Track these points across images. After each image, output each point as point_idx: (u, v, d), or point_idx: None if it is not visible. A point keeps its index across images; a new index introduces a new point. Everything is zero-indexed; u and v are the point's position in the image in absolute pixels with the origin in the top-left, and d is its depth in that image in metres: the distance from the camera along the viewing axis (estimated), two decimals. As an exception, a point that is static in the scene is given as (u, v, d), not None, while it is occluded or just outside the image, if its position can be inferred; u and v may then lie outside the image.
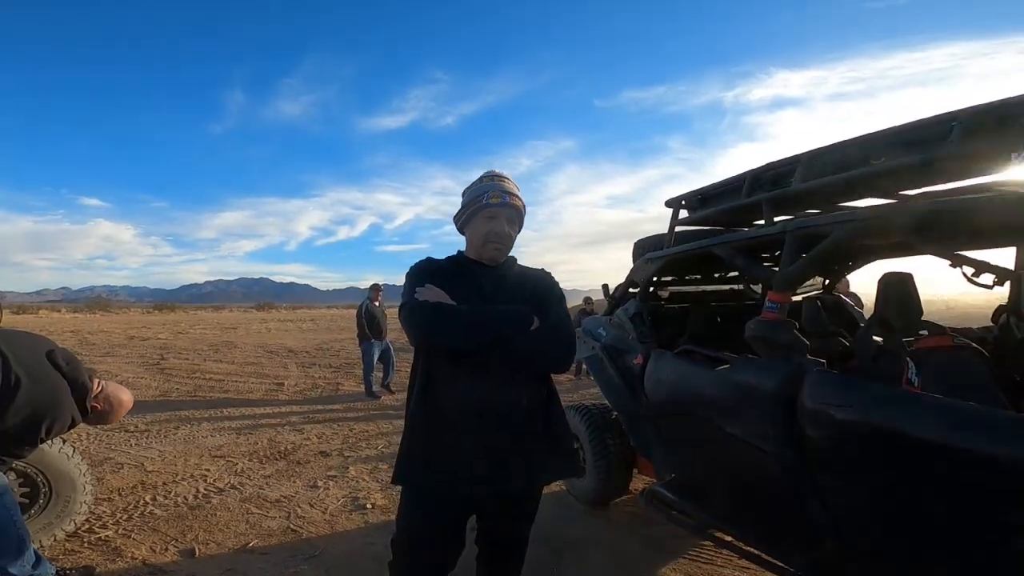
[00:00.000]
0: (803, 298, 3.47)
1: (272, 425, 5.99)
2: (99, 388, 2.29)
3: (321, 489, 3.85)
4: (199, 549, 2.87)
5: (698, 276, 3.80)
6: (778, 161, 2.30)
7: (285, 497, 3.68)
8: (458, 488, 1.55)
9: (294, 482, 4.02)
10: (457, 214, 1.75)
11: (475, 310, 1.52)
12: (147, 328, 22.82)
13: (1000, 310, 2.73)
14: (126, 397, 2.42)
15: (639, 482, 3.56)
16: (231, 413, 6.67)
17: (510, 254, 1.75)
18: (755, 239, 2.28)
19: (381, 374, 8.20)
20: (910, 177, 1.92)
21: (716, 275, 3.79)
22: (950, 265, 2.79)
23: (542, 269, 1.81)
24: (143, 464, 4.41)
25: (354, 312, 9.91)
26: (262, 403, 7.36)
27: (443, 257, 1.76)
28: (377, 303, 8.12)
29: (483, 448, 1.53)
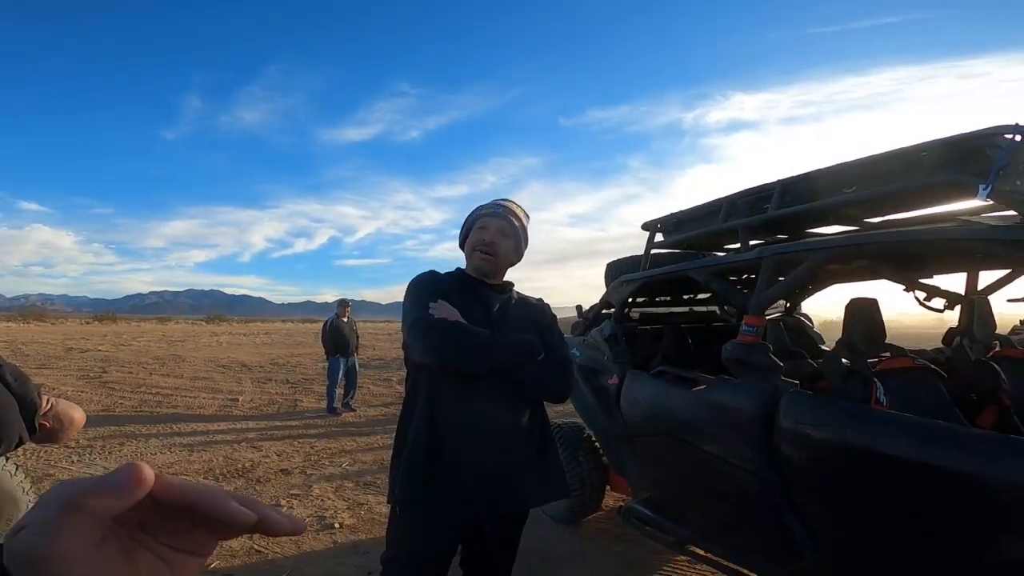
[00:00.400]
0: (766, 320, 3.63)
1: (227, 442, 5.75)
2: (48, 406, 2.17)
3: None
4: (157, 572, 2.71)
5: (668, 299, 3.92)
6: (753, 188, 2.42)
7: (246, 517, 3.53)
8: (458, 508, 1.54)
9: (255, 501, 3.86)
10: (460, 232, 1.78)
11: (493, 335, 1.53)
12: (86, 339, 21.57)
13: (952, 332, 2.93)
14: (78, 415, 2.28)
15: (610, 499, 3.60)
16: (181, 429, 6.37)
17: (509, 279, 1.77)
18: (732, 264, 2.38)
19: (342, 391, 8.00)
20: (881, 206, 2.06)
21: (686, 297, 3.92)
22: (904, 289, 2.98)
23: (540, 299, 1.83)
24: (88, 482, 4.15)
25: (312, 327, 9.66)
26: (215, 419, 7.06)
27: (444, 273, 1.76)
28: (345, 319, 7.92)
29: (485, 469, 1.53)
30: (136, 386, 9.53)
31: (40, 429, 2.17)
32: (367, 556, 2.98)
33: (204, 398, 8.69)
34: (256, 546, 3.07)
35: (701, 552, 2.32)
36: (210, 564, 2.82)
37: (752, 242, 2.47)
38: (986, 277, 2.87)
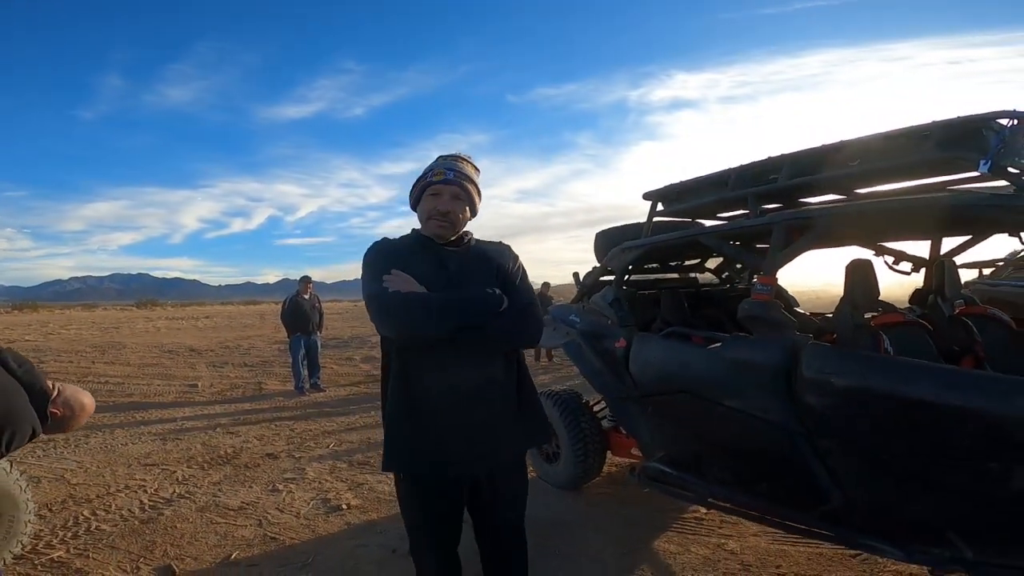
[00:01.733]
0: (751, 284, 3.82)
1: (200, 428, 5.55)
2: (56, 391, 2.04)
3: (284, 493, 3.65)
4: (176, 565, 2.63)
5: (656, 266, 4.04)
6: (759, 161, 2.53)
7: (247, 503, 3.46)
8: (447, 471, 1.57)
9: (250, 487, 3.77)
10: (410, 192, 1.74)
11: (448, 298, 1.52)
12: (9, 329, 19.94)
13: (921, 292, 3.19)
14: (88, 400, 2.15)
15: (611, 465, 3.74)
16: (145, 417, 6.09)
17: (466, 229, 1.74)
18: (744, 229, 2.49)
19: (307, 372, 7.83)
20: (882, 178, 2.21)
21: (673, 264, 4.06)
22: (874, 254, 3.22)
23: (500, 242, 1.80)
24: (64, 476, 3.94)
25: (256, 308, 9.39)
26: (177, 406, 6.78)
27: (397, 237, 1.73)
28: (307, 296, 7.74)
29: (467, 428, 1.56)
30: (82, 376, 8.97)
31: (51, 418, 2.04)
32: (385, 534, 2.98)
33: (159, 385, 8.30)
34: (269, 533, 3.01)
35: (724, 504, 2.48)
36: (230, 555, 2.76)
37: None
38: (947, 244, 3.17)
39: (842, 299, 2.33)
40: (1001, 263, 5.97)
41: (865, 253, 3.21)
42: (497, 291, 1.58)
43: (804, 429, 2.07)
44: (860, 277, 2.33)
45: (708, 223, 3.43)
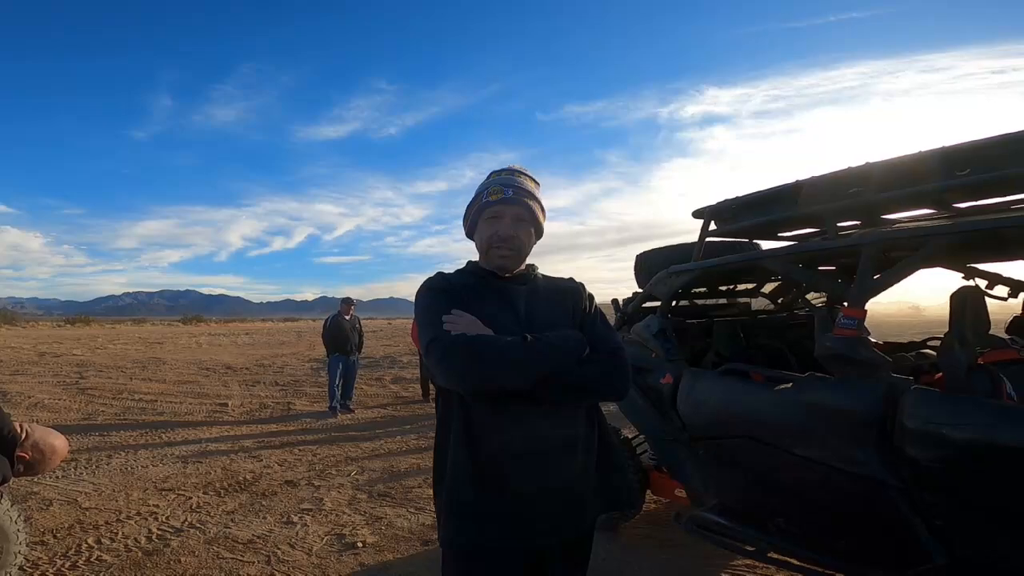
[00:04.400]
0: (814, 310, 3.44)
1: (223, 451, 5.39)
2: (25, 435, 1.84)
3: (298, 526, 3.41)
4: (169, 609, 2.40)
5: (705, 291, 3.70)
6: (836, 172, 2.20)
7: (258, 537, 3.22)
8: (515, 543, 1.30)
9: (264, 518, 3.54)
10: (464, 218, 1.49)
11: (526, 342, 1.26)
12: (60, 343, 20.74)
13: (1020, 321, 2.77)
14: (59, 443, 1.94)
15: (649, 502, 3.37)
16: (171, 438, 5.99)
17: (530, 261, 1.49)
18: (821, 251, 2.16)
19: (340, 391, 7.72)
20: (995, 189, 1.86)
21: (723, 289, 3.70)
22: (963, 277, 2.82)
23: (571, 279, 1.55)
24: (76, 500, 3.79)
25: (293, 326, 9.47)
26: (205, 425, 6.69)
27: (453, 271, 1.49)
28: (348, 316, 7.79)
29: (544, 494, 1.29)
30: (117, 392, 9.05)
31: (19, 462, 1.83)
32: (399, 579, 2.70)
33: (191, 403, 8.27)
34: (277, 572, 2.76)
35: (788, 560, 2.12)
36: (230, 595, 2.52)
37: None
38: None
39: (947, 334, 1.97)
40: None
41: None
42: (580, 334, 1.33)
43: (902, 483, 1.72)
44: (970, 307, 1.96)
45: (765, 244, 3.09)
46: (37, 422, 1.89)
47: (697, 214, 2.85)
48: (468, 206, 1.46)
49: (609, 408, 6.43)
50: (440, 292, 1.36)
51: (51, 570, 2.70)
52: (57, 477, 4.34)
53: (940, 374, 1.94)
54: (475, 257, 1.47)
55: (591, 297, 1.49)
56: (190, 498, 3.93)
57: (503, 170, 1.45)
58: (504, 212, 1.36)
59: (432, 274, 1.45)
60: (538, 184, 1.47)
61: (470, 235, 1.47)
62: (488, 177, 1.46)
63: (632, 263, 3.58)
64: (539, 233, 1.46)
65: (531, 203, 1.40)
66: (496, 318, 1.31)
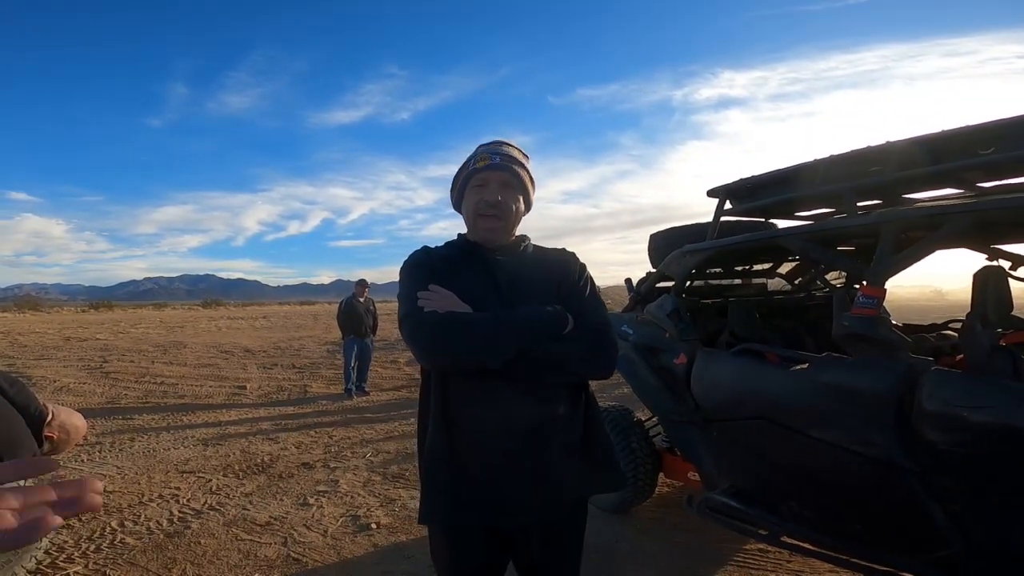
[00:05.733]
0: (833, 290, 3.35)
1: (241, 434, 5.49)
2: (51, 415, 1.87)
3: (314, 507, 3.46)
4: (190, 588, 2.46)
5: (720, 271, 3.62)
6: (857, 150, 2.11)
7: (275, 518, 3.28)
8: (498, 522, 1.28)
9: (281, 500, 3.60)
10: (451, 189, 1.44)
11: (496, 319, 1.22)
12: (84, 328, 21.22)
13: None
14: (80, 422, 1.97)
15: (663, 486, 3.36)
16: (192, 420, 6.11)
17: (521, 233, 1.43)
18: (840, 229, 2.08)
19: (356, 374, 7.81)
20: (1014, 170, 1.78)
21: (738, 269, 3.63)
22: (986, 258, 2.73)
23: (563, 249, 1.48)
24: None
25: (310, 309, 9.58)
26: (225, 408, 6.80)
27: (441, 244, 1.45)
28: (363, 299, 7.86)
29: (520, 473, 1.25)
30: (140, 376, 9.24)
31: (46, 442, 1.86)
32: (412, 560, 2.73)
33: (211, 386, 8.42)
34: (293, 554, 2.81)
35: (800, 544, 2.10)
36: (250, 576, 2.57)
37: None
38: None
39: (969, 314, 1.89)
40: None
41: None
42: (559, 308, 1.27)
43: (919, 467, 1.68)
44: (992, 288, 1.89)
45: (783, 223, 3.01)
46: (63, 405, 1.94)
47: (712, 193, 2.77)
48: (455, 176, 1.42)
49: (624, 390, 6.40)
50: (418, 267, 1.33)
51: (76, 554, 2.77)
52: (82, 460, 4.46)
53: (961, 356, 1.88)
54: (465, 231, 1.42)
55: (583, 267, 1.42)
56: (210, 480, 4.00)
57: (491, 142, 1.40)
58: (491, 178, 1.32)
59: (418, 248, 1.41)
60: (527, 157, 1.42)
61: (457, 207, 1.43)
62: (477, 149, 1.41)
63: (646, 245, 3.52)
64: (528, 204, 1.41)
65: (519, 170, 1.35)
66: (475, 292, 1.27)
